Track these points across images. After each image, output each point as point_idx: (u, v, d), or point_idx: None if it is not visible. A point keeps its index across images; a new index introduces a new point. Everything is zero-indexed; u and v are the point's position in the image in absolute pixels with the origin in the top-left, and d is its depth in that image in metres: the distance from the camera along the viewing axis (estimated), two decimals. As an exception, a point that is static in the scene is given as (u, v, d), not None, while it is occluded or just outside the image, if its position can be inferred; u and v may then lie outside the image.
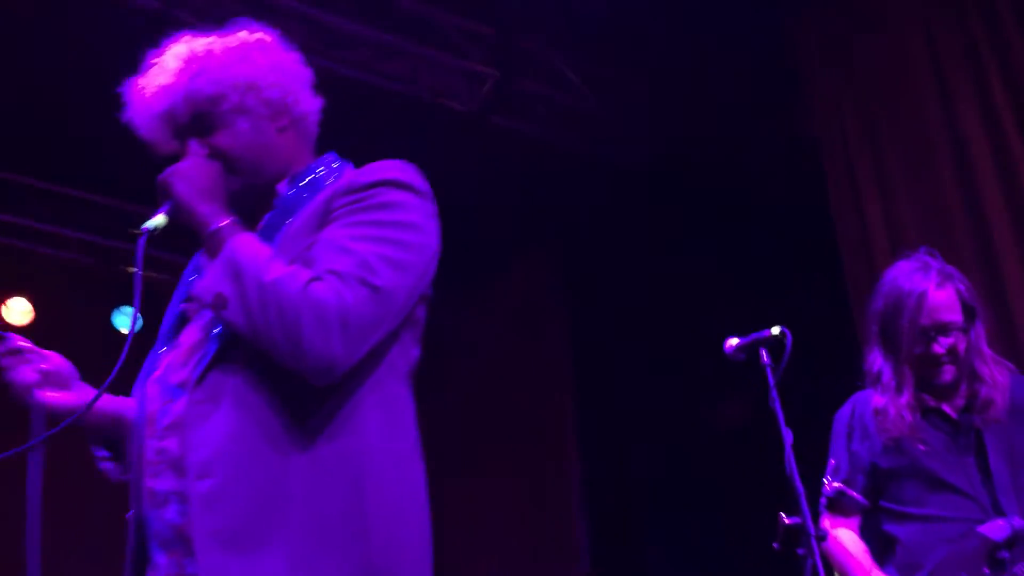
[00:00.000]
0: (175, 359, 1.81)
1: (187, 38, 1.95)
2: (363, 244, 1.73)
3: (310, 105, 2.00)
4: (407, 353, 1.86)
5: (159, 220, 1.79)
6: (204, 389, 1.72)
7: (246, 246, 1.72)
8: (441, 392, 7.42)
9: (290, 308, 1.65)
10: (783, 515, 2.45)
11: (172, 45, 1.95)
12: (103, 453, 2.03)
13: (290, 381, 1.69)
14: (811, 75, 5.36)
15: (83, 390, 1.98)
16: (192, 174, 1.81)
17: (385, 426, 1.76)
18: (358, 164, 1.92)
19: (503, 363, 7.13)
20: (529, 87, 5.82)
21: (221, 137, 1.88)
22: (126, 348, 1.68)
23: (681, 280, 6.13)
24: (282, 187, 1.92)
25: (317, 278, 1.68)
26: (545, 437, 6.80)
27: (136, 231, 1.76)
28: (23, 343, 1.94)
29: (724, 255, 6.13)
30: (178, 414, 1.74)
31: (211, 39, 1.95)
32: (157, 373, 1.83)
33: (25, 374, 1.91)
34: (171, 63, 1.91)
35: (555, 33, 5.65)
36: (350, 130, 5.94)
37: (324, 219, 1.79)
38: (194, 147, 1.89)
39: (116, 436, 2.01)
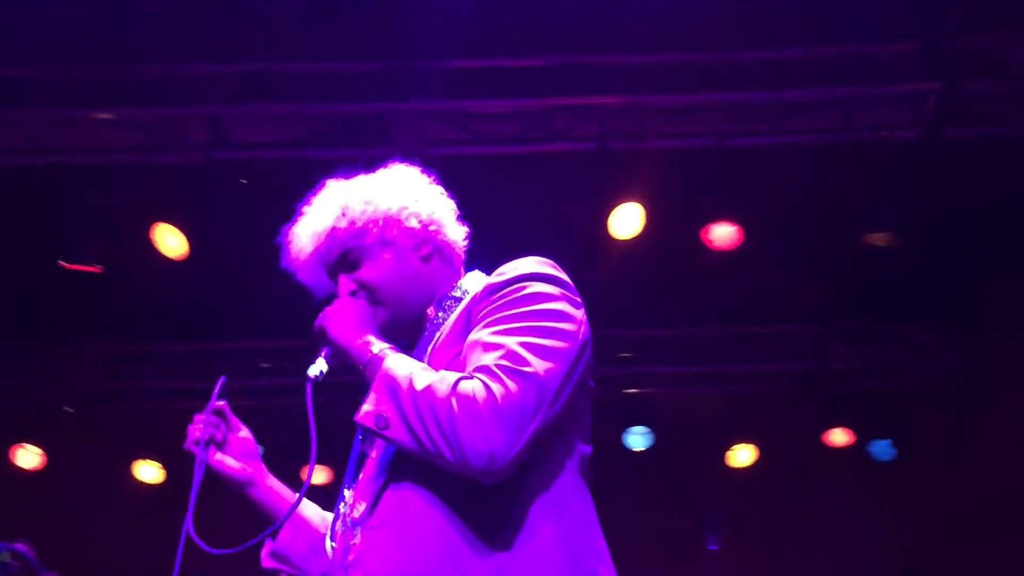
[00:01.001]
0: (355, 496, 1.90)
1: (331, 182, 2.07)
2: (508, 336, 1.74)
3: (454, 233, 2.09)
4: (575, 449, 1.84)
5: (321, 365, 1.91)
6: (377, 516, 1.78)
7: (397, 365, 1.78)
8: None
9: (444, 411, 1.67)
10: None
11: (319, 192, 2.07)
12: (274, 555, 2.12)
13: (459, 493, 1.72)
14: None
15: (259, 470, 2.12)
16: (341, 314, 1.91)
17: (562, 527, 1.74)
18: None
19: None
20: (980, 88, 5.25)
21: (366, 270, 1.99)
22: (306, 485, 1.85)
23: None
24: (431, 312, 2.00)
25: (465, 377, 1.71)
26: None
27: (302, 378, 1.89)
28: (226, 410, 2.11)
29: None
30: (358, 547, 1.80)
31: (354, 180, 2.07)
32: (341, 513, 1.92)
33: (198, 429, 2.06)
34: (317, 208, 2.05)
35: (987, 23, 5.10)
36: (795, 198, 5.84)
37: (467, 326, 1.83)
38: (343, 282, 2.01)
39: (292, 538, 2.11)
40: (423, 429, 1.69)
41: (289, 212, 2.06)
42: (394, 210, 2.02)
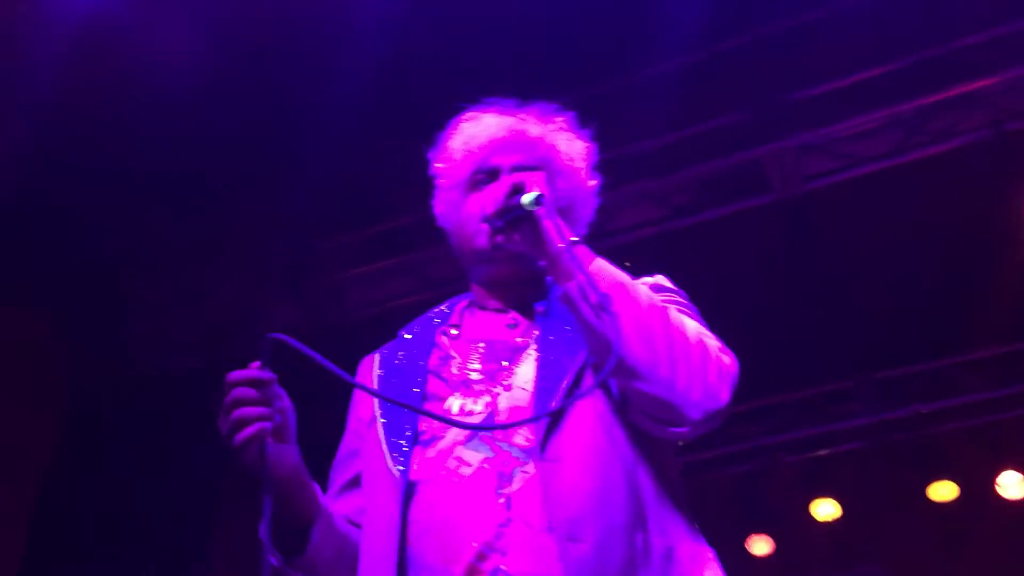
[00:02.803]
0: (507, 418, 1.70)
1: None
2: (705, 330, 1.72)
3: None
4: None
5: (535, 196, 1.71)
6: (552, 449, 1.63)
7: (620, 272, 1.67)
8: None
9: (695, 340, 1.60)
10: None
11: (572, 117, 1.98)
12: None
13: (634, 450, 1.65)
14: None
15: (293, 450, 1.70)
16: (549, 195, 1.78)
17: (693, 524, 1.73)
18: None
19: None
20: None
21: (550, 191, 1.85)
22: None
23: None
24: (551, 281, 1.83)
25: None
26: None
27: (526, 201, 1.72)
28: (269, 376, 1.62)
29: None
30: (533, 479, 1.63)
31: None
32: (460, 440, 1.71)
33: (261, 420, 1.60)
34: (570, 125, 1.96)
35: None
36: None
37: None
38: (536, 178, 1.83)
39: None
40: (666, 343, 1.58)
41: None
42: (593, 204, 1.99)
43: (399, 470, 1.69)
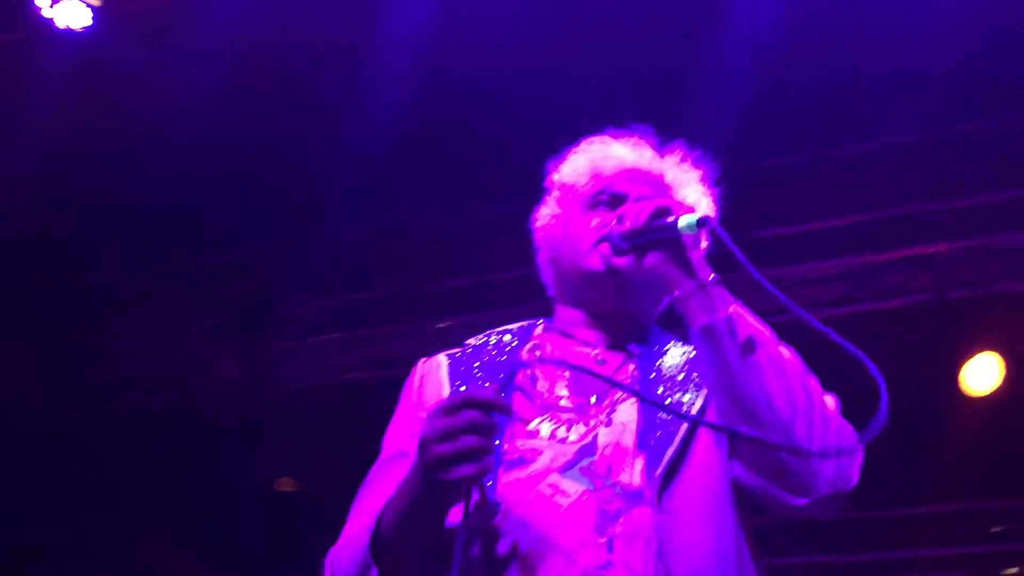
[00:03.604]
0: (609, 460, 1.52)
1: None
2: None
3: None
4: None
5: (698, 218, 1.51)
6: (670, 499, 1.49)
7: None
8: None
9: (833, 407, 1.51)
10: None
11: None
12: None
13: (738, 512, 1.52)
14: None
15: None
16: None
17: None
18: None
19: None
20: None
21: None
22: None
23: None
24: (642, 326, 1.74)
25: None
26: None
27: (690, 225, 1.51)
28: (505, 403, 1.39)
29: None
30: (641, 524, 1.47)
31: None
32: (558, 466, 1.52)
33: (485, 456, 1.34)
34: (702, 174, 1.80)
35: None
36: None
37: None
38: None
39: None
40: (806, 403, 1.44)
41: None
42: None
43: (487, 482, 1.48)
